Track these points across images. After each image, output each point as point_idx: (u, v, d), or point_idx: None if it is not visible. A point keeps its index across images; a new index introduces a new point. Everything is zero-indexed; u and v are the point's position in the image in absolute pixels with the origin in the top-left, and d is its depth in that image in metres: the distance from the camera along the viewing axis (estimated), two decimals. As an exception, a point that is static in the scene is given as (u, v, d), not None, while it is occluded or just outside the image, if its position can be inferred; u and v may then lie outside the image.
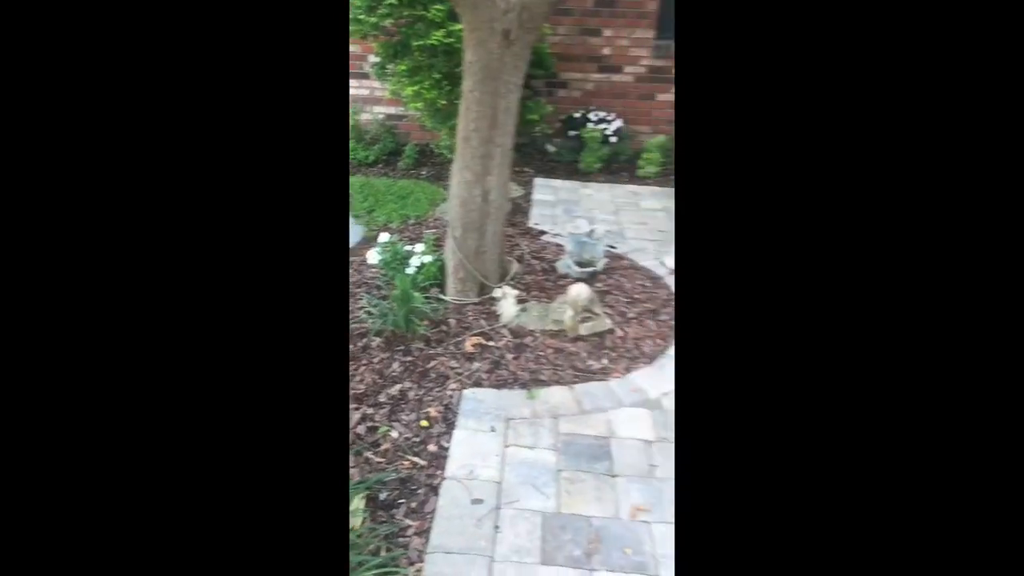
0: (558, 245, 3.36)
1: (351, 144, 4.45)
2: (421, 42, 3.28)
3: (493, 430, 2.08)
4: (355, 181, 4.11)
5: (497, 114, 2.46)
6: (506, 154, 2.58)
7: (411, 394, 2.25)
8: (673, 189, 4.32)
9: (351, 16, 3.30)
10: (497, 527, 1.72)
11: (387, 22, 3.35)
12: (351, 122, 4.43)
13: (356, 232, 1.93)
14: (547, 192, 4.12)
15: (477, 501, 1.80)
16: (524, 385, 2.30)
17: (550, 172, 4.45)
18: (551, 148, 4.70)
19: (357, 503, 1.73)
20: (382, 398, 2.22)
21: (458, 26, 3.13)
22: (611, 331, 2.63)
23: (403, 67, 3.48)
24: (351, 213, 3.40)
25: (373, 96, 4.63)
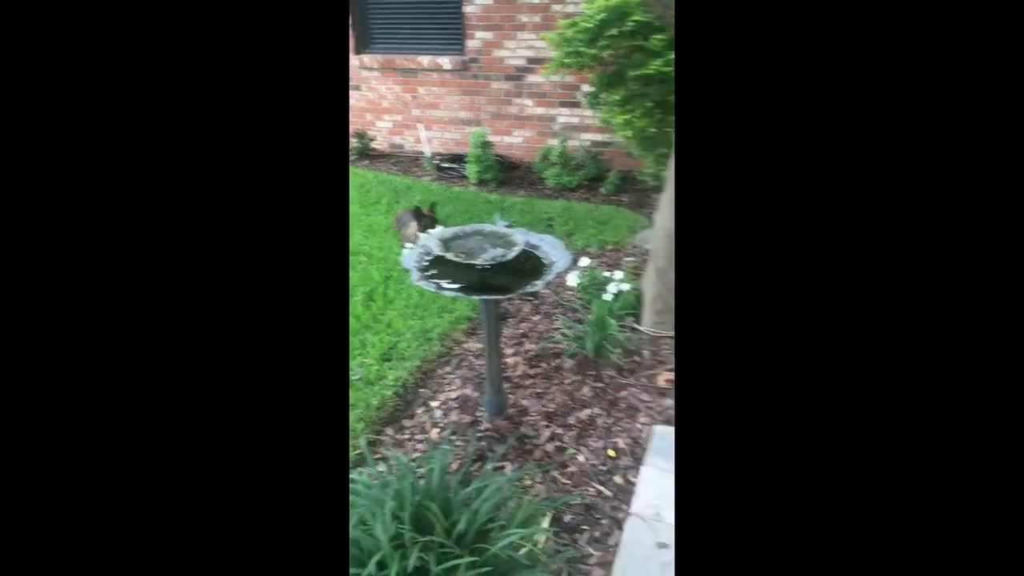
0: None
1: (556, 170, 4.63)
2: (637, 72, 3.30)
3: (683, 472, 2.00)
4: (557, 205, 4.25)
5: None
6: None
7: (600, 421, 2.24)
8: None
9: (572, 49, 3.45)
10: (683, 577, 1.65)
11: (606, 53, 3.44)
12: (560, 149, 4.60)
13: (566, 256, 1.99)
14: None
15: (662, 545, 1.73)
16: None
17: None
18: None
19: (544, 522, 1.76)
20: (571, 420, 2.25)
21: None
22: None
23: (616, 96, 3.53)
24: (556, 236, 3.54)
25: (583, 124, 4.77)
